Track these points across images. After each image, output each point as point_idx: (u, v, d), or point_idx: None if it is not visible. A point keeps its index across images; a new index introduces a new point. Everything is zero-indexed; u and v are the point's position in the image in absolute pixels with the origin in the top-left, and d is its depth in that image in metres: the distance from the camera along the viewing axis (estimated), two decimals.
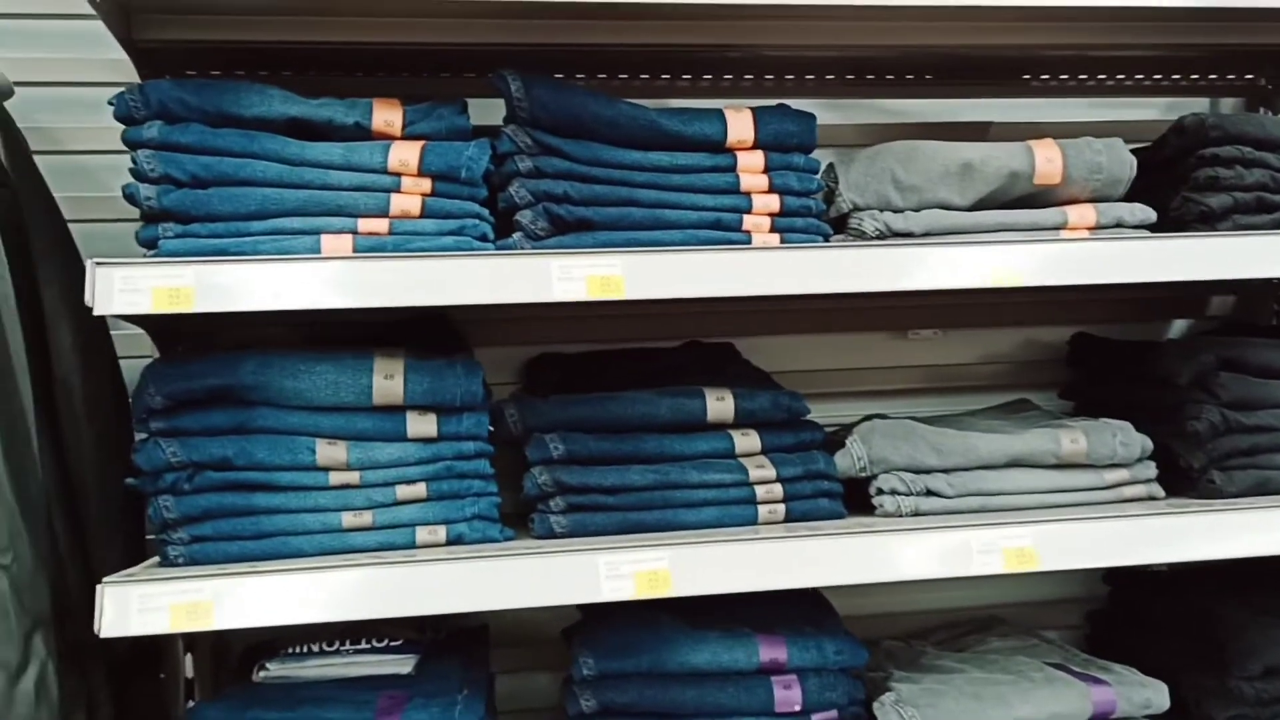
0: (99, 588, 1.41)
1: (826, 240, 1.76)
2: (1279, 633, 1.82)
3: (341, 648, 1.74)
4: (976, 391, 2.31)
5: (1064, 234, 1.79)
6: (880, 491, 1.76)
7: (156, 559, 1.58)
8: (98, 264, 1.42)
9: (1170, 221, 1.85)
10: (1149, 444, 1.80)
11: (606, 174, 1.68)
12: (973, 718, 1.69)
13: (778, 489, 1.73)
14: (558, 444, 1.67)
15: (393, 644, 1.76)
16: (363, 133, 1.63)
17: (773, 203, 1.74)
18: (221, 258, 1.49)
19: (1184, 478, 1.82)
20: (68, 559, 1.60)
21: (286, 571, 1.48)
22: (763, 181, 1.74)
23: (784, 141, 1.75)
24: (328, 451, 1.58)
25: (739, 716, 1.70)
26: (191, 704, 1.87)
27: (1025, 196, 1.82)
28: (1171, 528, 1.70)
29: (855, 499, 1.79)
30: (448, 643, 1.89)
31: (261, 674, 1.70)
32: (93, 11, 1.63)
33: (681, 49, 1.91)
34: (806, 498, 1.75)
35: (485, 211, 1.64)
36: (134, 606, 1.41)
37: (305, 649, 1.74)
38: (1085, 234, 1.79)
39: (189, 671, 1.93)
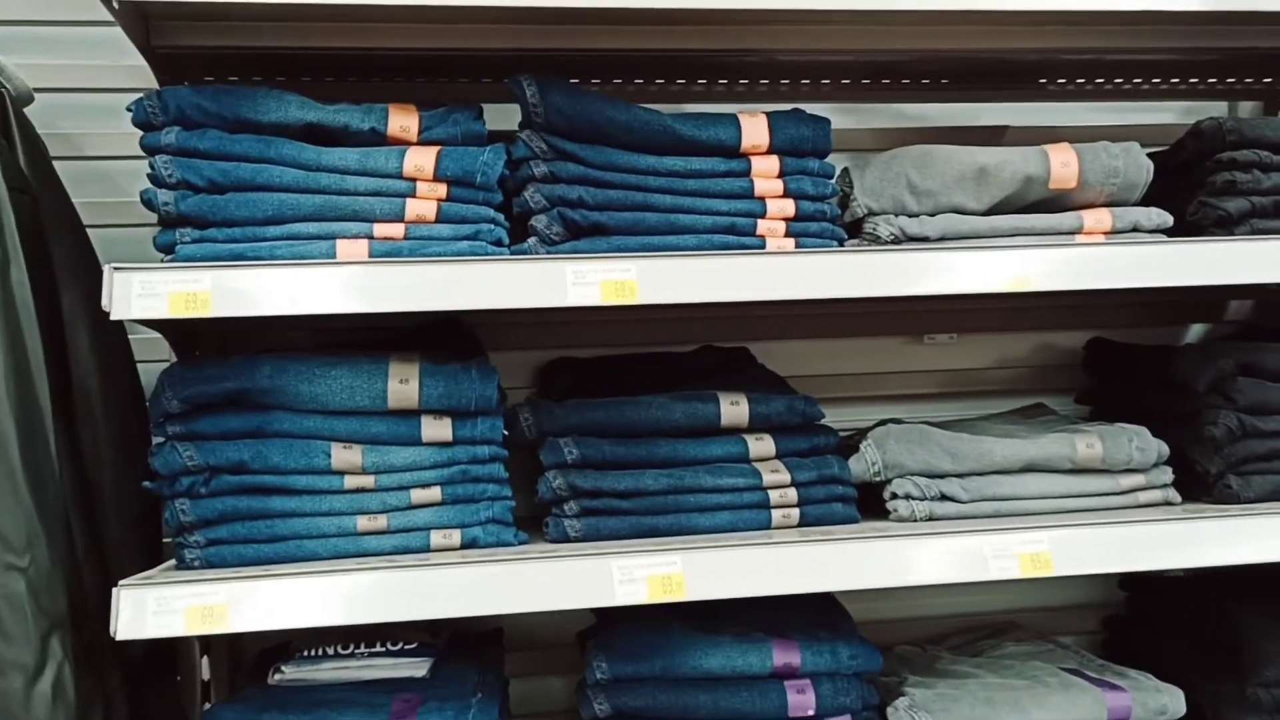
0: (115, 590, 1.42)
1: (841, 245, 1.76)
2: None
3: (356, 650, 1.74)
4: (992, 396, 2.31)
5: (1079, 238, 1.78)
6: (895, 496, 1.76)
7: (173, 562, 1.59)
8: (115, 269, 1.43)
9: (1187, 226, 1.84)
10: (1165, 449, 1.79)
11: (621, 179, 1.69)
12: None
13: (792, 493, 1.73)
14: (572, 448, 1.68)
15: (407, 647, 1.76)
16: (379, 138, 1.63)
17: (788, 207, 1.74)
18: (238, 263, 1.50)
19: (1200, 483, 1.82)
20: (84, 561, 1.61)
21: (301, 575, 1.49)
22: (777, 186, 1.74)
23: (799, 146, 1.75)
24: (343, 455, 1.59)
25: None
26: (207, 706, 1.88)
27: (1041, 201, 1.82)
28: (1187, 533, 1.69)
29: (870, 504, 1.79)
30: (462, 646, 1.89)
31: (277, 677, 1.71)
32: (112, 18, 1.64)
33: (697, 54, 1.91)
34: (820, 502, 1.74)
35: (500, 216, 1.65)
36: (150, 609, 1.42)
37: (320, 651, 1.74)
38: (1101, 238, 1.79)
39: (205, 674, 1.95)
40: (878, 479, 1.78)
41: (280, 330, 1.89)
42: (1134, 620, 2.20)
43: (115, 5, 1.61)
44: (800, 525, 1.73)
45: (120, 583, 1.43)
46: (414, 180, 1.61)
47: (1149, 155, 1.83)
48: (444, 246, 1.60)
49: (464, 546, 1.63)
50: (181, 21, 1.72)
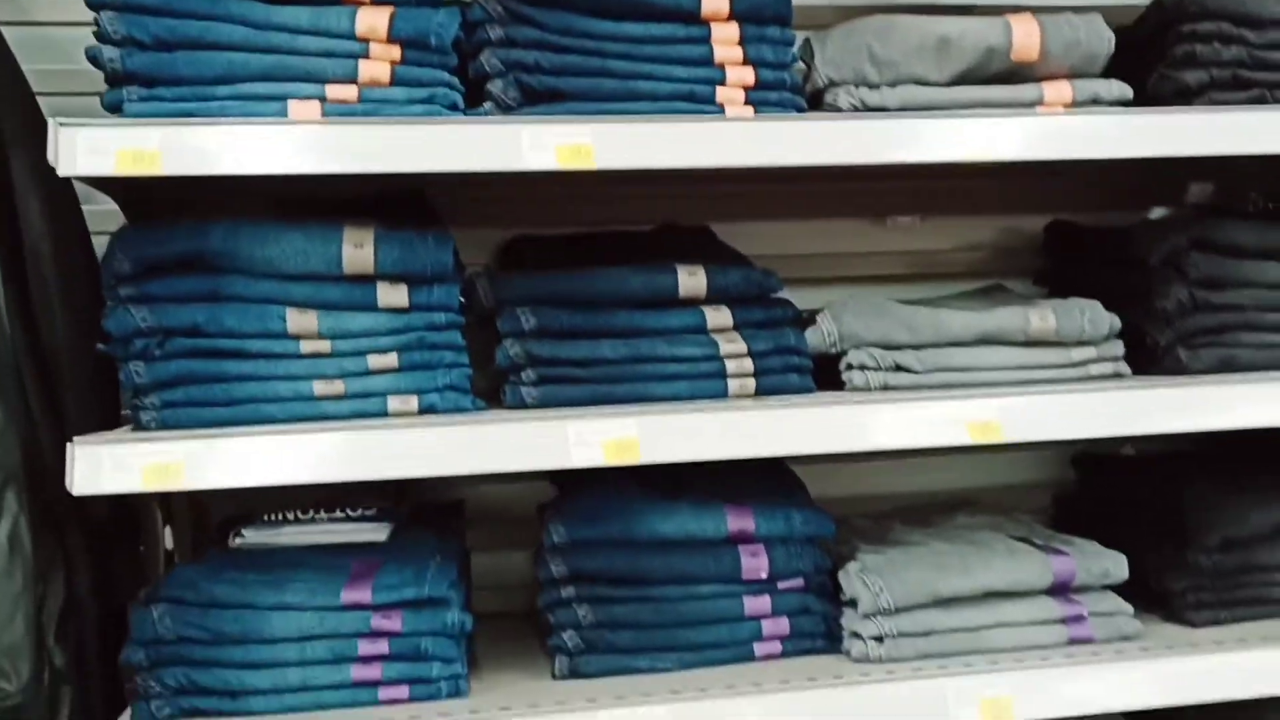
0: (70, 446, 1.43)
1: (801, 114, 1.75)
2: (1239, 506, 1.85)
3: (316, 516, 1.77)
4: (954, 279, 2.31)
5: (1040, 110, 1.78)
6: (850, 367, 1.78)
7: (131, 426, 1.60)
8: (61, 124, 1.42)
9: (1147, 99, 1.84)
10: (1117, 322, 1.81)
11: (579, 44, 1.66)
12: (935, 585, 1.72)
13: (748, 363, 1.74)
14: (529, 317, 1.68)
15: (367, 514, 1.79)
16: None
17: (747, 75, 1.72)
18: (189, 119, 1.48)
19: (1150, 356, 1.84)
20: (41, 423, 1.61)
21: (259, 435, 1.50)
22: (737, 54, 1.72)
23: (760, 13, 1.73)
24: (298, 320, 1.59)
25: (706, 583, 1.74)
26: None
27: (1002, 73, 1.80)
28: (1135, 403, 1.73)
29: (827, 378, 1.81)
30: (422, 515, 1.92)
31: (238, 541, 1.73)
32: None
33: None
34: (776, 372, 1.76)
35: (455, 80, 1.63)
36: (106, 466, 1.43)
37: (280, 517, 1.76)
38: (1061, 110, 1.78)
39: (169, 543, 1.97)
40: (834, 350, 1.80)
41: (233, 205, 1.87)
42: (1083, 497, 2.25)
43: None
44: (756, 395, 1.75)
45: (75, 439, 1.44)
46: (367, 41, 1.59)
47: (1113, 30, 1.82)
48: (398, 109, 1.59)
49: (422, 412, 1.63)
50: None
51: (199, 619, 1.55)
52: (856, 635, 1.73)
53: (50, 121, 1.41)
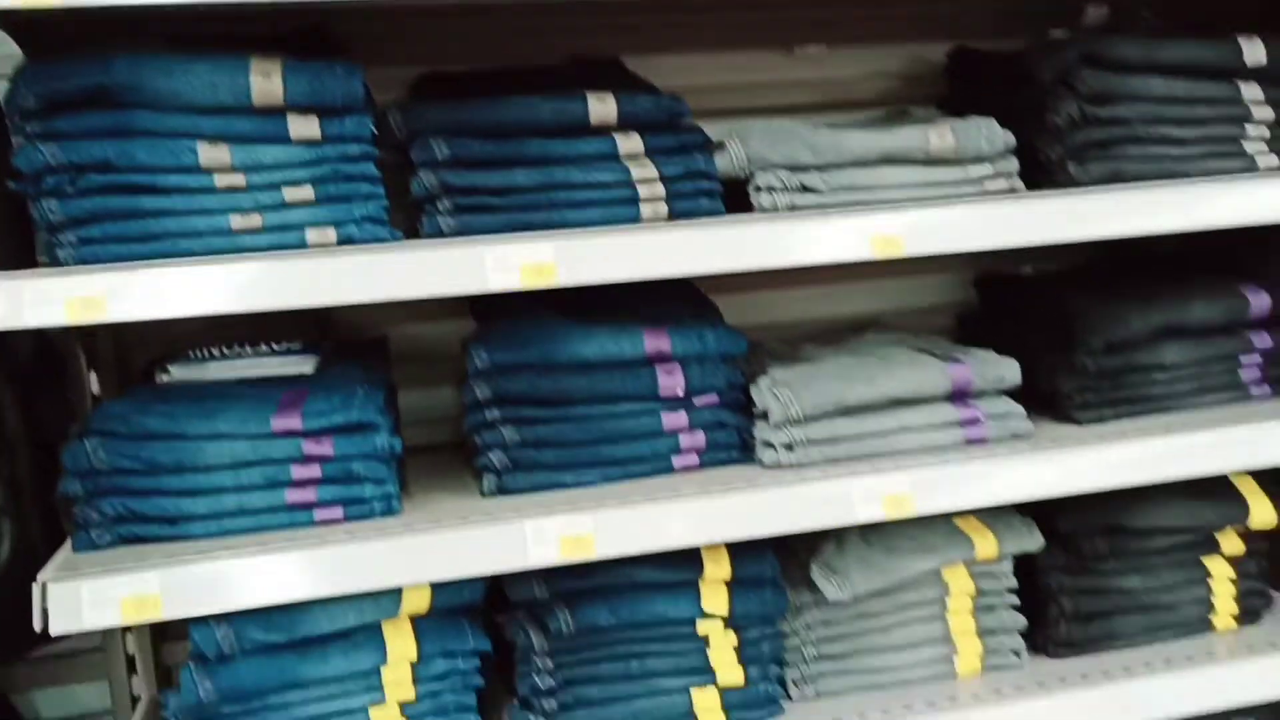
0: None
1: None
2: (1122, 313, 1.96)
3: (242, 351, 1.80)
4: (863, 107, 2.36)
5: None
6: (759, 189, 1.83)
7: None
8: None
9: None
10: (1011, 139, 1.88)
11: None
12: (841, 394, 1.82)
13: (659, 188, 1.79)
14: (443, 146, 1.70)
15: (292, 348, 1.83)
16: None
17: None
18: None
19: (1043, 171, 1.92)
20: None
21: (181, 266, 1.52)
22: None
23: None
24: (210, 153, 1.59)
25: (626, 402, 1.81)
26: None
27: None
28: (1028, 215, 1.81)
29: (735, 202, 1.86)
30: (347, 349, 1.96)
31: (164, 377, 1.77)
32: None
33: None
34: (687, 197, 1.81)
35: None
36: (28, 299, 1.44)
37: (206, 353, 1.80)
38: None
39: (95, 388, 1.99)
40: (742, 174, 1.85)
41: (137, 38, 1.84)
42: (985, 315, 2.36)
43: None
44: (668, 220, 1.80)
45: None
46: None
47: None
48: None
49: (340, 244, 1.66)
50: None
51: (133, 450, 1.59)
52: (768, 444, 1.83)
53: None
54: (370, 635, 1.69)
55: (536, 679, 1.75)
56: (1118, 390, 1.98)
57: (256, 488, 1.64)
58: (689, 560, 1.80)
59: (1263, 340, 2.04)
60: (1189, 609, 2.07)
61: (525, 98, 1.77)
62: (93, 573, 1.52)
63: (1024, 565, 2.00)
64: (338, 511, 1.68)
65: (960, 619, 1.97)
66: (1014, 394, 1.93)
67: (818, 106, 2.36)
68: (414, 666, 1.70)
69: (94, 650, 2.18)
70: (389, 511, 1.70)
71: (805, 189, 1.83)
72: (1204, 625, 2.09)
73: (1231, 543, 2.07)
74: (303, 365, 1.80)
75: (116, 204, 1.57)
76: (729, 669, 1.83)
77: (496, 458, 1.77)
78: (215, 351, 1.80)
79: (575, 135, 1.78)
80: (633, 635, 1.79)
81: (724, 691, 1.83)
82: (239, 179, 1.61)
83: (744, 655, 1.84)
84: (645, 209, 1.78)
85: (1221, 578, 2.08)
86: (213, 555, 1.56)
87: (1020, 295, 2.27)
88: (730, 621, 1.82)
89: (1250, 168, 1.99)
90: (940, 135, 1.85)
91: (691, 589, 1.80)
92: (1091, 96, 1.89)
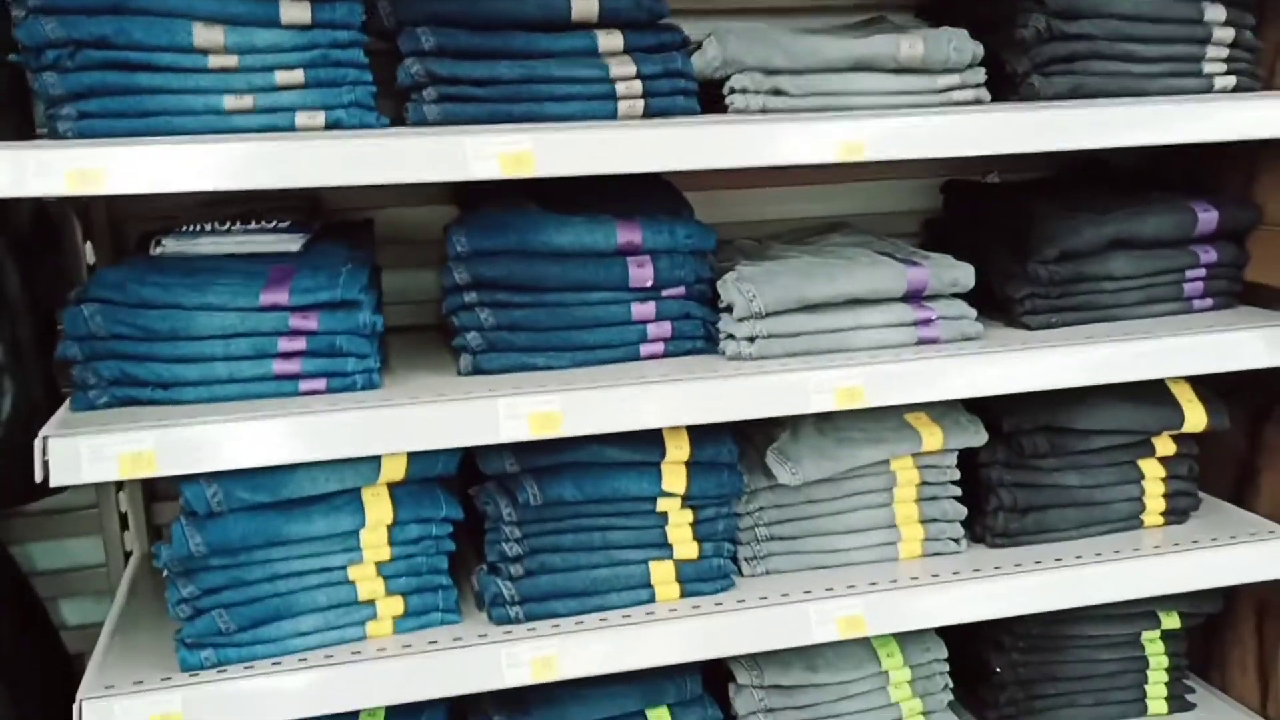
0: None
1: None
2: (1077, 223, 2.05)
3: (233, 228, 1.88)
4: (844, 13, 2.41)
5: None
6: (733, 91, 1.90)
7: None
8: None
9: None
10: (980, 50, 1.94)
11: None
12: (803, 291, 1.91)
13: (637, 85, 1.85)
14: (429, 36, 1.76)
15: (281, 225, 1.90)
16: None
17: None
18: None
19: (1009, 84, 1.99)
20: None
21: (175, 144, 1.59)
22: None
23: None
24: (204, 34, 1.65)
25: (597, 290, 1.90)
26: None
27: None
28: (991, 126, 1.88)
29: (710, 102, 1.93)
30: (334, 229, 2.04)
31: (158, 249, 1.84)
32: None
33: None
34: (664, 95, 1.87)
35: None
36: (30, 168, 1.51)
37: (199, 228, 1.87)
38: None
39: (90, 258, 2.07)
40: (718, 75, 1.92)
41: None
42: (949, 221, 2.45)
43: None
44: (644, 116, 1.87)
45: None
46: None
47: None
48: None
49: (328, 128, 1.73)
50: None
51: (129, 317, 1.68)
52: (731, 336, 1.93)
53: None
54: (350, 500, 1.80)
55: (504, 546, 1.87)
56: (1067, 298, 2.08)
57: (245, 358, 1.74)
58: (652, 442, 1.91)
59: (1208, 255, 2.14)
60: (1121, 506, 2.20)
61: None
62: (90, 430, 1.61)
63: (968, 459, 2.12)
64: (321, 384, 1.78)
65: (905, 507, 2.09)
66: (968, 297, 2.03)
67: (799, 10, 2.41)
68: (390, 530, 1.82)
69: (89, 507, 2.31)
70: (370, 385, 1.80)
71: (777, 92, 1.89)
72: (1135, 522, 2.22)
73: (1166, 446, 2.19)
74: (291, 243, 1.88)
75: (114, 80, 1.63)
76: (685, 544, 1.95)
77: (473, 339, 1.87)
78: (208, 226, 1.87)
79: (558, 30, 1.84)
80: (596, 509, 1.91)
81: (679, 564, 1.96)
82: (232, 60, 1.67)
83: (699, 532, 1.96)
84: (622, 105, 1.85)
85: (1154, 479, 2.21)
86: (204, 419, 1.66)
87: (983, 202, 2.36)
88: (688, 500, 1.94)
89: (1206, 88, 2.06)
90: (910, 44, 1.92)
91: (653, 469, 1.92)
92: (1059, 12, 1.95)
